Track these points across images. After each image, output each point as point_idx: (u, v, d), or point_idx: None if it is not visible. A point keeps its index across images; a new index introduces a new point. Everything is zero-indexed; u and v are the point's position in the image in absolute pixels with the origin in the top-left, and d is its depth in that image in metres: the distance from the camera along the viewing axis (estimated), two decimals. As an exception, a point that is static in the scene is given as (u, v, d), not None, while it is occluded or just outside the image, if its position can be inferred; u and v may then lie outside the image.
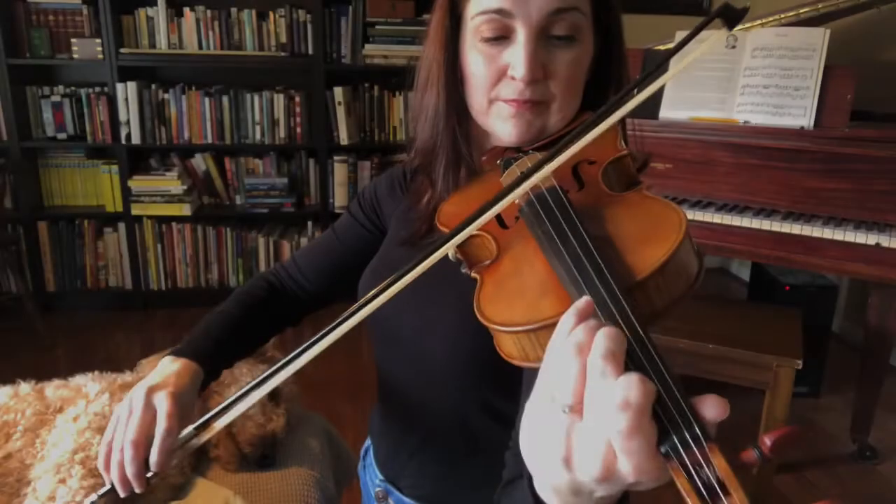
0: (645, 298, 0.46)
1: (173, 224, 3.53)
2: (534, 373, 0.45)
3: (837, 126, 2.24)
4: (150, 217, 3.47)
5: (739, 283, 4.08)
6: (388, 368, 0.90)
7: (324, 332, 0.59)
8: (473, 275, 0.58)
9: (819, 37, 2.27)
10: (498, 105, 0.71)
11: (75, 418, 0.99)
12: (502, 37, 0.68)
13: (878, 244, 2.10)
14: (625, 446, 0.37)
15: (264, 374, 0.63)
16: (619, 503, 0.46)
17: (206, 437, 0.70)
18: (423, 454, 0.86)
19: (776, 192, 2.30)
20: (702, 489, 0.37)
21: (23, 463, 0.98)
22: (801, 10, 2.50)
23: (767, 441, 0.38)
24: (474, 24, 0.69)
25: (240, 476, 1.09)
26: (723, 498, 0.37)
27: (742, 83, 2.39)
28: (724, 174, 2.38)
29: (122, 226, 3.49)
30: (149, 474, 0.72)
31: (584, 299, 0.43)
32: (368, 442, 1.00)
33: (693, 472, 0.38)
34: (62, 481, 0.90)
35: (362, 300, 0.58)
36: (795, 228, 2.21)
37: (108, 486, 0.73)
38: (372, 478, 0.96)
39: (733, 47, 2.43)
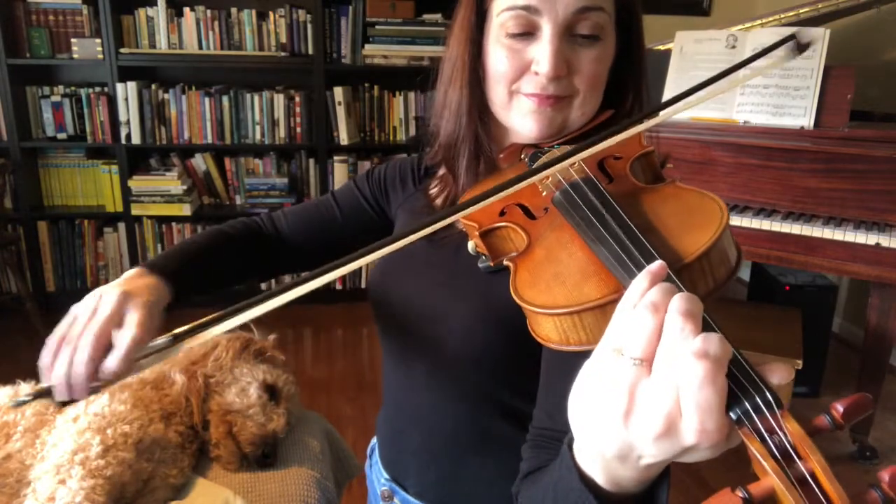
0: (690, 283, 0.47)
1: (173, 224, 3.53)
2: (556, 355, 0.44)
3: (837, 126, 2.24)
4: (150, 217, 3.47)
5: (739, 283, 4.08)
6: (397, 365, 0.90)
7: (337, 262, 0.55)
8: (506, 263, 0.58)
9: (819, 37, 2.27)
10: (519, 99, 0.72)
11: (75, 419, 0.99)
12: (528, 33, 0.70)
13: (878, 244, 2.10)
14: (696, 397, 0.37)
15: (257, 298, 0.56)
16: (657, 484, 0.46)
17: (172, 353, 0.60)
18: (429, 454, 0.87)
19: (776, 192, 2.31)
20: (777, 454, 0.38)
21: (22, 463, 0.98)
22: (801, 10, 2.51)
23: (840, 407, 0.39)
24: (500, 20, 0.70)
25: (240, 476, 1.09)
26: (798, 462, 0.37)
27: (742, 83, 2.39)
28: (724, 174, 2.38)
29: (122, 226, 3.49)
30: (96, 384, 0.63)
31: (658, 263, 0.44)
32: (375, 440, 1.01)
33: (767, 438, 0.38)
34: (62, 482, 0.90)
35: (372, 245, 0.55)
36: (795, 228, 2.21)
37: (44, 385, 0.64)
38: (378, 477, 0.96)
39: (733, 47, 2.43)
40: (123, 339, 0.63)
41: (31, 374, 1.17)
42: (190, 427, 1.11)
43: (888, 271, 2.12)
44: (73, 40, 3.25)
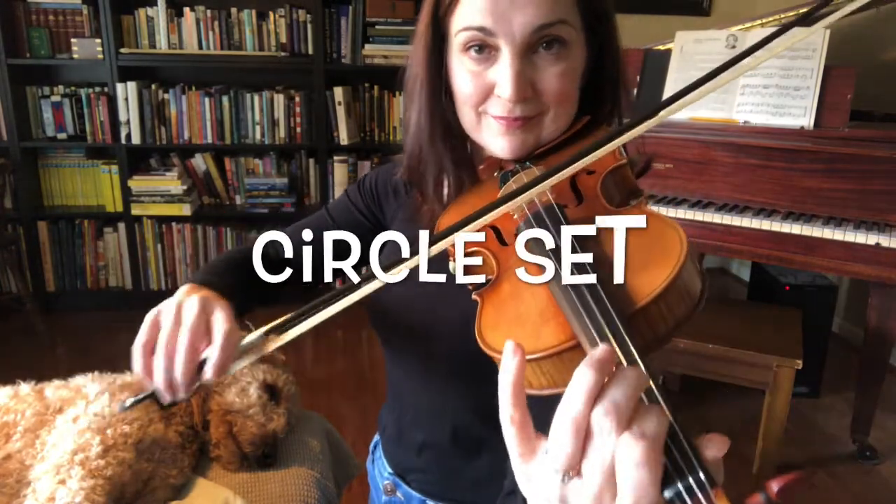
0: (647, 325, 0.46)
1: (173, 224, 3.53)
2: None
3: (837, 126, 2.24)
4: (150, 217, 3.47)
5: (739, 283, 4.08)
6: (396, 368, 0.91)
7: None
8: (474, 297, 0.57)
9: (819, 37, 2.27)
10: (488, 120, 0.69)
11: (75, 419, 0.99)
12: (487, 54, 0.66)
13: (878, 244, 2.10)
14: (632, 478, 0.37)
15: (341, 289, 0.58)
16: None
17: (263, 351, 0.61)
18: (430, 451, 0.87)
19: (776, 192, 2.30)
20: None
21: (22, 464, 0.98)
22: (801, 10, 2.50)
23: (774, 486, 0.38)
24: (458, 40, 0.67)
25: (240, 476, 1.09)
26: None
27: (742, 83, 2.39)
28: (724, 174, 2.38)
29: (122, 226, 3.49)
30: (197, 384, 0.63)
31: (602, 349, 0.41)
32: (378, 437, 1.01)
33: None
34: (62, 482, 0.90)
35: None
36: (795, 228, 2.21)
37: (148, 392, 0.64)
38: (381, 471, 0.97)
39: (733, 47, 2.43)
40: (218, 338, 0.62)
41: (32, 373, 1.17)
42: (190, 427, 1.11)
43: (888, 271, 2.12)
44: (73, 40, 3.25)
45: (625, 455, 0.37)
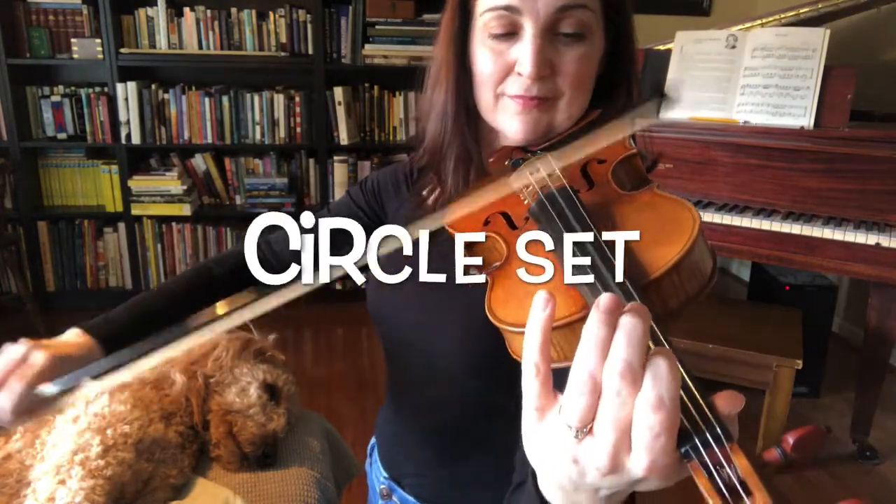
0: (659, 298, 0.46)
1: (173, 224, 3.53)
2: None
3: (837, 126, 2.24)
4: (150, 217, 3.47)
5: (739, 283, 4.08)
6: (396, 367, 0.91)
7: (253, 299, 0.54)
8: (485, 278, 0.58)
9: (819, 37, 2.28)
10: (504, 101, 0.72)
11: (75, 419, 0.99)
12: (510, 33, 0.69)
13: (878, 244, 2.10)
14: (652, 444, 0.37)
15: (162, 340, 0.55)
16: None
17: (63, 401, 0.66)
18: (427, 453, 0.87)
19: (776, 192, 2.31)
20: (723, 489, 0.37)
21: (22, 464, 0.98)
22: (801, 10, 2.51)
23: (790, 439, 0.39)
24: (483, 20, 0.70)
25: (240, 476, 1.09)
26: (745, 498, 0.37)
27: (742, 83, 2.39)
28: (724, 174, 2.39)
29: (122, 226, 3.49)
30: None
31: (606, 296, 0.41)
32: (374, 440, 1.01)
33: (714, 473, 0.38)
34: (62, 482, 0.90)
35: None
36: (795, 228, 2.21)
37: None
38: (377, 475, 0.97)
39: (733, 47, 2.43)
40: (14, 380, 0.69)
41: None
42: (190, 427, 1.11)
43: (888, 271, 2.12)
44: (73, 40, 3.25)
45: (644, 423, 0.37)
